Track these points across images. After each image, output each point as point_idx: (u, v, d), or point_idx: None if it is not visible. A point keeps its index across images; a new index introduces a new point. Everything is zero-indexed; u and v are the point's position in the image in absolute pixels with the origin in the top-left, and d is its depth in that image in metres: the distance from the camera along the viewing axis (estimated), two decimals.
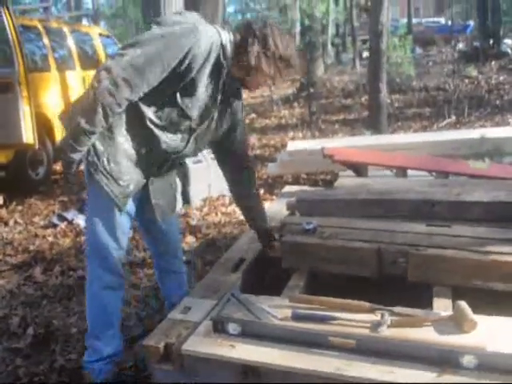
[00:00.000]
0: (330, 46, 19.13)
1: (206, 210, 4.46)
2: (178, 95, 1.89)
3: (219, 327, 1.77)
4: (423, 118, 8.51)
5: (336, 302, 1.87)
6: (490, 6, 16.03)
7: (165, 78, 1.83)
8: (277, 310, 1.83)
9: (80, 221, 4.31)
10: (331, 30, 19.84)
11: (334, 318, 1.77)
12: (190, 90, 1.89)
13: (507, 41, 17.11)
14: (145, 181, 2.05)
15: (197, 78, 1.87)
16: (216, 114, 2.03)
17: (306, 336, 1.69)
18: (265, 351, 1.66)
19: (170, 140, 1.96)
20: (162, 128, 1.93)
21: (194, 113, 1.94)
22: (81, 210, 4.55)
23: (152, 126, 1.92)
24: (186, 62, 1.82)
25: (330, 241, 2.19)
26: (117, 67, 1.78)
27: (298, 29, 15.82)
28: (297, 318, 1.79)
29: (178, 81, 1.86)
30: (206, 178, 4.66)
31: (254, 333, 1.74)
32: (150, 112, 1.90)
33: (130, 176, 1.97)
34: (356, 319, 1.76)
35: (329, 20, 16.70)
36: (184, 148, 2.02)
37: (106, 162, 1.91)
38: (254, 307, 1.86)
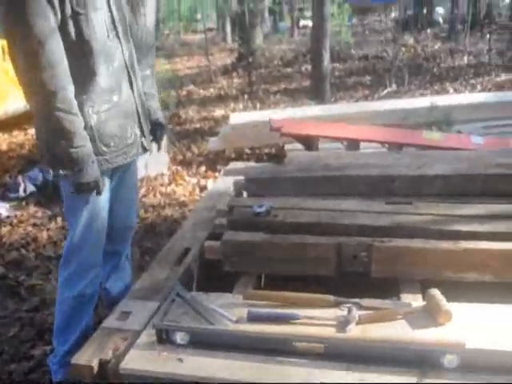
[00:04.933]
0: (267, 14, 18.69)
1: (143, 190, 4.09)
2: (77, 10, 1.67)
3: (164, 337, 1.51)
4: (364, 87, 8.40)
5: (296, 297, 1.66)
6: None
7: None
8: (230, 310, 1.60)
9: (0, 209, 3.87)
10: None
11: (296, 317, 1.55)
12: None
13: (438, 8, 17.34)
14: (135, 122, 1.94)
15: None
16: None
17: (268, 342, 1.45)
18: (220, 363, 1.41)
19: (112, 56, 1.81)
20: (101, 52, 1.76)
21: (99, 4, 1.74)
22: (2, 198, 4.09)
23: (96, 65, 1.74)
24: None
25: (279, 237, 1.92)
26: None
27: None
28: (254, 318, 1.56)
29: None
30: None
31: (206, 341, 1.48)
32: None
33: (121, 129, 1.87)
34: (320, 316, 1.56)
35: None
36: (121, 47, 1.85)
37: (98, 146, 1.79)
38: (204, 308, 1.62)
